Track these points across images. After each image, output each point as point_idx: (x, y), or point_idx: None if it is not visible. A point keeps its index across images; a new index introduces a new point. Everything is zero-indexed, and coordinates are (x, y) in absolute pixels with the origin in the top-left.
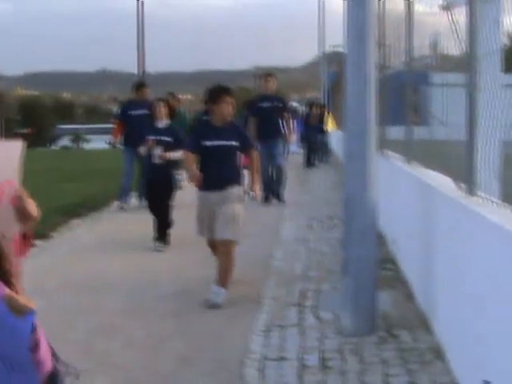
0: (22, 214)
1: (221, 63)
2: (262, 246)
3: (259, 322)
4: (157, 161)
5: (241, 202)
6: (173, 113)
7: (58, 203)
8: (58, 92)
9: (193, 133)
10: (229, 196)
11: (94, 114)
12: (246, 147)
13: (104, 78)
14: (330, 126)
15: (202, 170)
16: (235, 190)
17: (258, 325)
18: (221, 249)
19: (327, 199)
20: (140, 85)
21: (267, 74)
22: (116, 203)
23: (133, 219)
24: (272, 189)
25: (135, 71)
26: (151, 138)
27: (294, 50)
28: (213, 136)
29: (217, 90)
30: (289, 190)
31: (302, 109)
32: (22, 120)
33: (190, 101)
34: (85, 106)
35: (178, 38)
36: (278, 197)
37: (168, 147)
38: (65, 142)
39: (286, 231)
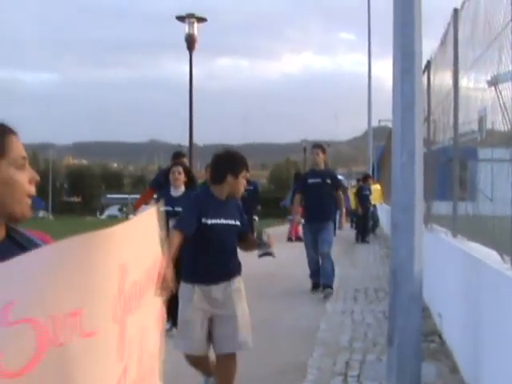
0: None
1: (269, 136)
2: (308, 317)
3: None
4: None
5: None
6: (191, 181)
7: None
8: (106, 162)
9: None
10: (235, 292)
11: (141, 183)
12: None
13: (152, 148)
14: (377, 199)
15: (199, 255)
16: (239, 283)
17: None
18: (226, 361)
19: (373, 272)
20: (178, 154)
21: (314, 145)
22: None
23: None
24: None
25: (182, 142)
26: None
27: (341, 124)
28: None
29: (239, 160)
30: (335, 262)
31: (348, 182)
32: (70, 188)
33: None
34: (133, 175)
35: (227, 110)
36: (327, 286)
37: None
38: (112, 211)
39: (333, 303)
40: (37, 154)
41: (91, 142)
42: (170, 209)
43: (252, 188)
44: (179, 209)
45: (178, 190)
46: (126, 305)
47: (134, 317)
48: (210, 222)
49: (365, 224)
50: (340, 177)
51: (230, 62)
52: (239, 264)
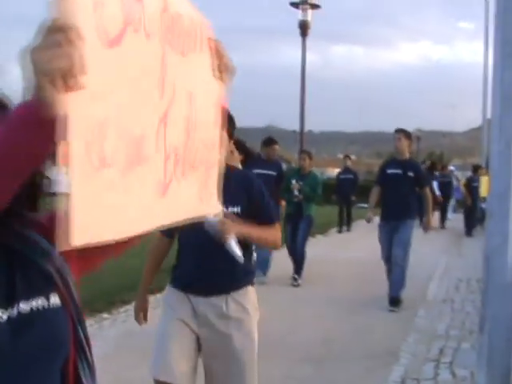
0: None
1: (384, 125)
2: (407, 303)
3: (395, 374)
4: None
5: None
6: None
7: None
8: None
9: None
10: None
11: None
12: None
13: (268, 134)
14: (486, 191)
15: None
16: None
17: (394, 376)
18: None
19: (478, 263)
20: (270, 141)
21: (396, 129)
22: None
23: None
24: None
25: (298, 129)
26: None
27: (459, 115)
28: None
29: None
30: (441, 252)
31: (462, 174)
32: None
33: (351, 161)
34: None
35: (342, 98)
36: (393, 300)
37: None
38: None
39: (434, 292)
40: None
41: None
42: None
43: (274, 172)
44: None
45: None
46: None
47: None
48: None
49: (471, 216)
50: (452, 167)
51: (344, 49)
52: (244, 272)
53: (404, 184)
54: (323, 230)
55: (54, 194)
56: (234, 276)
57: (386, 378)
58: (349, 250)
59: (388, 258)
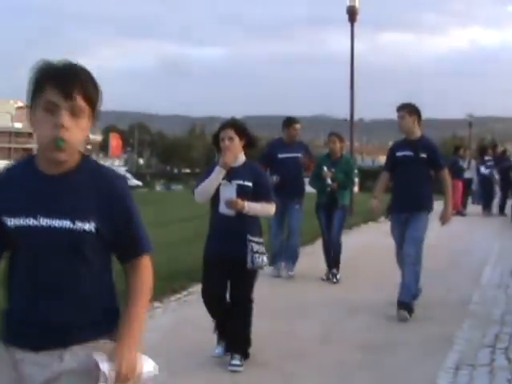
0: None
1: (434, 111)
2: (460, 289)
3: (449, 360)
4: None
5: None
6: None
7: None
8: (272, 135)
9: None
10: None
11: None
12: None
13: (318, 122)
14: None
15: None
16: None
17: (448, 363)
18: None
19: None
20: (290, 120)
21: (398, 107)
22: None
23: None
24: None
25: (348, 117)
26: None
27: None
28: None
29: None
30: (495, 236)
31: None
32: None
33: None
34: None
35: (392, 85)
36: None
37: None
38: None
39: (488, 277)
40: (204, 128)
41: (258, 116)
42: None
43: (299, 153)
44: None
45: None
46: None
47: None
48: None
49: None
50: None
51: (394, 36)
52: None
53: (416, 168)
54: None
55: None
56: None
57: (441, 364)
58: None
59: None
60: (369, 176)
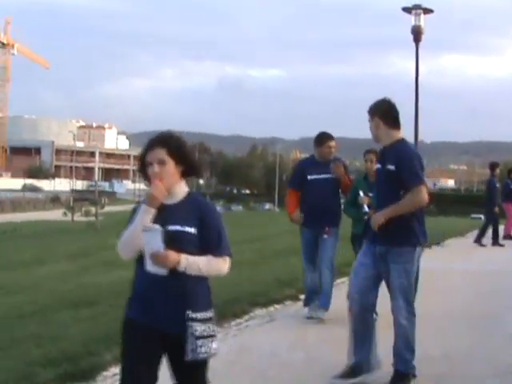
0: None
1: (497, 134)
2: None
3: None
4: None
5: None
6: None
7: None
8: None
9: None
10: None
11: None
12: None
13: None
14: None
15: None
16: None
17: None
18: None
19: None
20: (323, 137)
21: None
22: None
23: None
24: None
25: (408, 138)
26: None
27: None
28: None
29: None
30: None
31: None
32: None
33: (463, 171)
34: (358, 171)
35: (453, 107)
36: None
37: None
38: None
39: None
40: (266, 148)
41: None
42: None
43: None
44: None
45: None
46: None
47: None
48: None
49: None
50: None
51: (455, 58)
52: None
53: (385, 185)
54: (440, 240)
55: None
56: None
57: None
58: (465, 261)
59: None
60: (431, 199)
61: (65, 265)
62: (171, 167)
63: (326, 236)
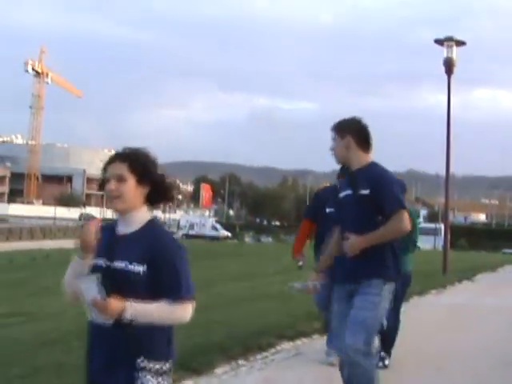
0: None
1: None
2: None
3: None
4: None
5: None
6: None
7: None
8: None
9: None
10: None
11: None
12: None
13: (410, 177)
14: None
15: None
16: None
17: None
18: None
19: None
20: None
21: None
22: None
23: None
24: None
25: (440, 172)
26: None
27: None
28: None
29: None
30: None
31: None
32: None
33: (494, 205)
34: None
35: (484, 141)
36: None
37: None
38: None
39: None
40: (296, 180)
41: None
42: None
43: None
44: None
45: None
46: None
47: None
48: None
49: None
50: None
51: (487, 92)
52: None
53: (357, 211)
54: (471, 275)
55: None
56: None
57: None
58: (497, 296)
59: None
60: (462, 233)
61: None
62: (131, 186)
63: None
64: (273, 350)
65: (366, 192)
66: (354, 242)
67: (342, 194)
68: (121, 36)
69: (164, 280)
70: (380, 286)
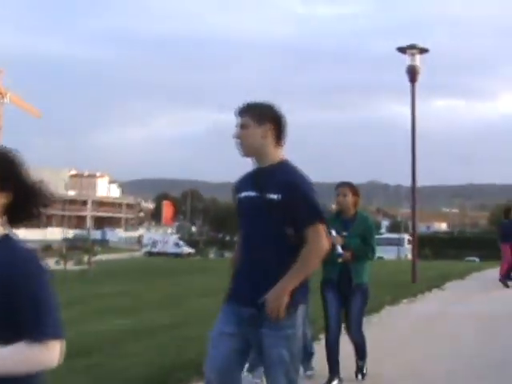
0: None
1: (489, 177)
2: None
3: None
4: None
5: None
6: None
7: None
8: (323, 202)
9: None
10: None
11: None
12: None
13: (371, 188)
14: None
15: None
16: None
17: None
18: None
19: None
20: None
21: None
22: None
23: None
24: None
25: (402, 183)
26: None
27: None
28: None
29: None
30: None
31: None
32: None
33: (455, 214)
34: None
35: (445, 151)
36: None
37: None
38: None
39: None
40: None
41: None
42: None
43: None
44: None
45: None
46: None
47: None
48: None
49: None
50: None
51: (445, 102)
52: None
53: (260, 219)
54: (440, 283)
55: None
56: None
57: None
58: (468, 303)
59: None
60: (425, 242)
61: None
62: None
63: None
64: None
65: (275, 197)
66: (275, 302)
67: (242, 194)
68: (80, 55)
69: (21, 314)
70: (293, 315)
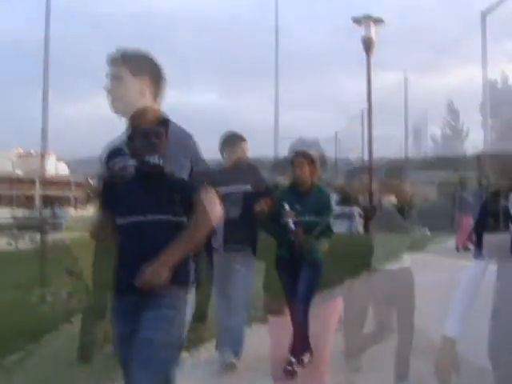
0: None
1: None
2: None
3: None
4: None
5: None
6: None
7: None
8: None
9: None
10: None
11: None
12: None
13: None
14: None
15: None
16: None
17: None
18: None
19: None
20: (232, 138)
21: None
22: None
23: None
24: None
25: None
26: None
27: None
28: None
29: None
30: None
31: None
32: None
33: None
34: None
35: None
36: None
37: None
38: None
39: None
40: None
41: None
42: None
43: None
44: None
45: None
46: None
47: None
48: None
49: None
50: None
51: (397, 75)
52: None
53: (138, 188)
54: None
55: None
56: None
57: None
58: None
59: None
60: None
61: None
62: None
63: (238, 267)
64: None
65: (156, 160)
66: (155, 273)
67: (116, 165)
68: (20, 32)
69: None
70: (177, 296)
